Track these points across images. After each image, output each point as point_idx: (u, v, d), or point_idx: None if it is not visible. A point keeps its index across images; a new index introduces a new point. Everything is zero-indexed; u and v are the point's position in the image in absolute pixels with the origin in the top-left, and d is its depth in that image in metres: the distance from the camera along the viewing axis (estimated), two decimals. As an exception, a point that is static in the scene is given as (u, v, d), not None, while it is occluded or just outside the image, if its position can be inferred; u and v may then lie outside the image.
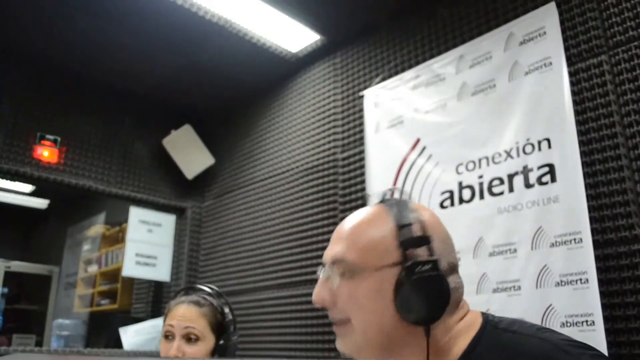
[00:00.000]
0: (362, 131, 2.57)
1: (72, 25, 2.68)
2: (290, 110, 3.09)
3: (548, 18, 1.95)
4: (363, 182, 2.49)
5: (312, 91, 2.96)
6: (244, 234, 3.14)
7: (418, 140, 2.29)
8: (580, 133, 1.80)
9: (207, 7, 2.55)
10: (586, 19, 1.89)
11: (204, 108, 3.56)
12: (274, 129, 3.17)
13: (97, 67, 3.08)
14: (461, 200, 2.07)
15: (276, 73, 3.14)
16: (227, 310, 1.53)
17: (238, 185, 3.32)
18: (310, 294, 2.73)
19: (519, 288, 1.81)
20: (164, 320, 1.50)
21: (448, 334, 0.79)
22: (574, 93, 1.85)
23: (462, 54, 2.21)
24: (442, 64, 2.28)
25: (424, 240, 0.79)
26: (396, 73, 2.49)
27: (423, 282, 0.75)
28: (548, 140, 1.85)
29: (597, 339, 1.56)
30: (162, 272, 3.33)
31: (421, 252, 0.78)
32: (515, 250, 1.85)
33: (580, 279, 1.66)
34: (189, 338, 1.43)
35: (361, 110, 2.60)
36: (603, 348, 1.56)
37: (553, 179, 1.80)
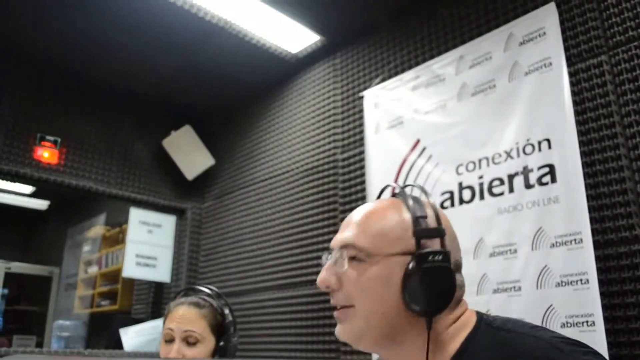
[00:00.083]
0: (362, 132, 2.57)
1: (72, 26, 2.69)
2: (290, 111, 3.09)
3: (548, 18, 1.95)
4: (363, 182, 2.49)
5: (312, 92, 2.96)
6: (244, 234, 3.14)
7: (418, 141, 2.29)
8: (580, 133, 1.80)
9: (207, 8, 2.55)
10: (586, 19, 1.89)
11: (204, 109, 3.56)
12: (274, 130, 3.17)
13: (97, 67, 3.08)
14: (461, 201, 2.07)
15: (276, 74, 3.14)
16: (227, 311, 1.52)
17: (238, 186, 3.32)
18: (310, 295, 2.72)
19: (520, 288, 1.80)
20: (164, 322, 1.49)
21: (446, 330, 0.79)
22: (574, 93, 1.85)
23: (462, 55, 2.21)
24: (442, 64, 2.28)
25: (439, 231, 0.79)
26: (396, 74, 2.49)
27: (433, 272, 0.76)
28: (548, 140, 1.85)
29: (598, 339, 1.56)
30: (162, 273, 3.33)
31: (433, 245, 0.78)
32: (515, 251, 1.85)
33: (581, 280, 1.65)
34: (189, 340, 1.43)
35: (361, 110, 2.60)
36: (603, 349, 1.56)
37: (553, 180, 1.80)
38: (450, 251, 0.79)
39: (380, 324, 0.79)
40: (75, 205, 5.12)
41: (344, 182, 2.62)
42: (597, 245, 1.67)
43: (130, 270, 3.19)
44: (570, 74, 1.87)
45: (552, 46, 1.91)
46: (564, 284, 1.69)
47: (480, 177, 2.03)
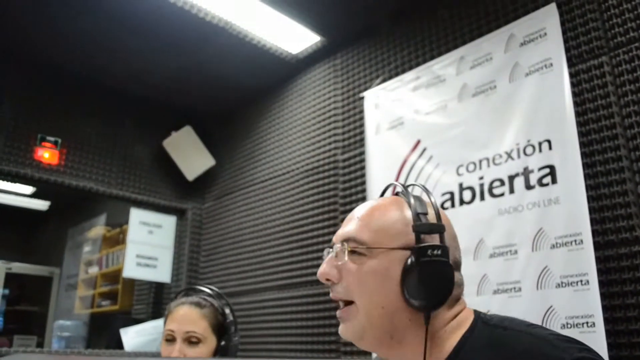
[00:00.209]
0: (362, 132, 2.57)
1: (72, 26, 2.69)
2: (290, 111, 3.09)
3: (549, 19, 1.95)
4: (363, 183, 2.49)
5: (313, 92, 2.96)
6: (244, 235, 3.14)
7: (418, 142, 2.29)
8: (581, 134, 1.80)
9: (207, 9, 2.55)
10: (587, 20, 1.89)
11: (205, 109, 3.56)
12: (274, 131, 3.17)
13: (98, 68, 3.08)
14: (462, 202, 2.07)
15: (276, 74, 3.14)
16: (228, 311, 1.53)
17: (238, 187, 3.32)
18: (311, 295, 2.72)
19: (520, 289, 1.80)
20: (165, 322, 1.50)
21: (444, 327, 0.80)
22: (574, 94, 1.85)
23: (463, 55, 2.21)
24: (443, 65, 2.27)
25: (438, 227, 0.81)
26: (396, 74, 2.49)
27: (432, 266, 0.77)
28: (549, 141, 1.84)
29: (598, 340, 1.55)
30: (162, 273, 3.33)
31: (433, 241, 0.80)
32: (515, 252, 1.85)
33: (581, 281, 1.65)
34: (191, 340, 1.43)
35: (361, 111, 2.60)
36: (604, 350, 1.55)
37: (554, 181, 1.80)
38: (450, 248, 0.80)
39: (381, 321, 0.79)
40: (75, 206, 5.13)
41: (344, 183, 2.62)
42: (597, 246, 1.67)
43: (131, 270, 3.19)
44: (571, 75, 1.87)
45: (553, 47, 1.91)
46: (564, 284, 1.69)
47: (481, 178, 2.02)
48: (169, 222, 3.44)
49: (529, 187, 1.87)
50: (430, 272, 0.77)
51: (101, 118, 3.25)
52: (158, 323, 2.98)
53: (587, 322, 1.61)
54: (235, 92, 3.35)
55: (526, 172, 1.88)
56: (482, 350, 0.76)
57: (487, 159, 2.02)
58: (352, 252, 0.83)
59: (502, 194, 1.94)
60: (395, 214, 0.84)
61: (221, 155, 3.51)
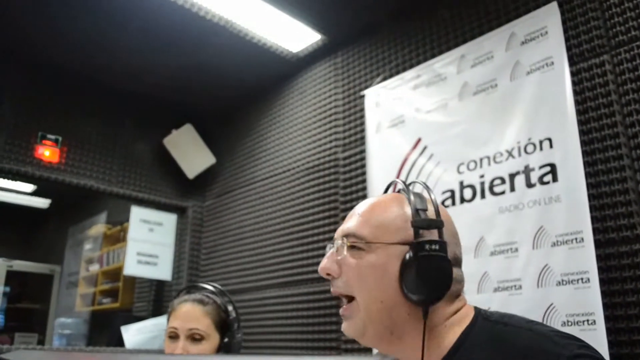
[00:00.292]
0: (363, 131, 2.57)
1: (73, 25, 2.69)
2: (291, 109, 3.09)
3: (550, 18, 1.95)
4: (364, 181, 2.49)
5: (313, 91, 2.96)
6: (245, 233, 3.15)
7: (419, 140, 2.29)
8: (582, 133, 1.80)
9: (207, 7, 2.55)
10: (588, 19, 1.89)
11: (205, 107, 3.56)
12: (275, 129, 3.18)
13: (98, 66, 3.08)
14: (462, 200, 2.07)
15: (277, 73, 3.14)
16: (230, 308, 1.53)
17: (239, 185, 3.32)
18: (311, 293, 2.73)
19: (520, 287, 1.81)
20: (168, 320, 1.50)
21: (444, 322, 0.81)
22: (575, 93, 1.85)
23: (464, 54, 2.21)
24: (444, 63, 2.27)
25: (437, 223, 0.81)
26: (397, 73, 2.49)
27: (430, 260, 0.78)
28: (550, 139, 1.85)
29: (598, 338, 1.56)
30: (163, 271, 3.34)
31: (432, 236, 0.80)
32: (516, 250, 1.85)
33: (582, 279, 1.66)
34: (194, 337, 1.44)
35: (362, 109, 2.60)
36: (604, 347, 1.56)
37: (555, 179, 1.80)
38: (448, 243, 0.80)
39: (380, 315, 0.81)
40: (76, 204, 5.14)
41: (345, 181, 2.62)
42: (598, 244, 1.68)
43: (132, 268, 3.19)
44: (572, 74, 1.87)
45: (554, 45, 1.91)
46: (564, 282, 1.69)
47: (482, 176, 2.03)
48: (169, 220, 3.44)
49: (529, 185, 1.87)
50: (427, 267, 0.77)
51: (102, 116, 3.25)
52: (159, 320, 2.98)
53: (587, 320, 1.61)
54: (235, 90, 3.34)
55: (527, 170, 1.88)
56: (482, 345, 0.76)
57: (488, 157, 2.02)
58: (352, 247, 0.84)
59: (503, 192, 1.94)
60: (395, 210, 0.85)
61: (222, 153, 3.51)
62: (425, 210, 0.83)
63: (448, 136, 2.18)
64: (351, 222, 0.87)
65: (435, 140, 2.23)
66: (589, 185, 1.74)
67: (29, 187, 4.62)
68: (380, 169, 2.41)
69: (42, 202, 5.25)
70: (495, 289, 1.87)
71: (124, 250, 3.36)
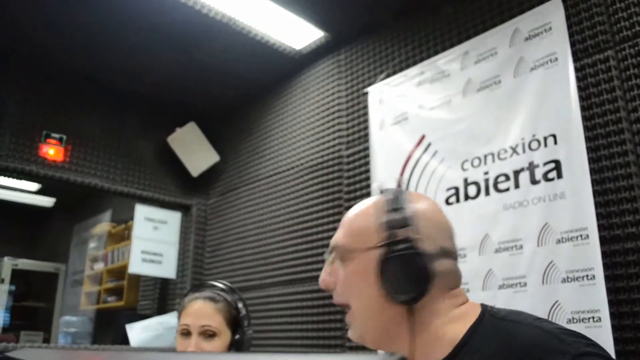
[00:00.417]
0: (366, 128, 2.57)
1: (76, 24, 2.69)
2: (294, 107, 3.09)
3: (554, 13, 1.94)
4: (368, 178, 2.49)
5: (317, 88, 2.96)
6: (249, 231, 3.15)
7: (423, 137, 2.29)
8: (586, 129, 1.79)
9: (210, 5, 2.55)
10: (592, 14, 1.88)
11: (209, 105, 3.56)
12: (278, 126, 3.18)
13: (101, 65, 3.08)
14: (467, 197, 2.06)
15: (280, 70, 3.14)
16: (241, 305, 1.54)
17: (243, 183, 3.33)
18: (315, 291, 2.72)
19: (525, 284, 1.80)
20: (179, 317, 1.51)
21: (439, 318, 0.80)
22: (580, 89, 1.84)
23: (467, 50, 2.20)
24: (447, 60, 2.27)
25: (405, 221, 0.81)
26: (401, 69, 2.49)
27: (399, 259, 0.78)
28: (554, 136, 1.84)
29: (604, 335, 1.55)
30: (168, 269, 3.35)
31: (406, 235, 0.80)
32: (521, 247, 1.85)
33: (587, 275, 1.65)
34: (207, 334, 1.45)
35: (366, 107, 2.60)
36: (610, 345, 1.55)
37: (559, 175, 1.79)
38: (427, 238, 0.80)
39: (372, 320, 0.82)
40: (81, 202, 5.16)
41: (348, 178, 2.62)
42: (603, 241, 1.67)
43: (136, 266, 3.20)
44: (577, 69, 1.86)
45: (558, 41, 1.90)
46: (570, 279, 1.69)
47: (486, 173, 2.02)
48: (173, 218, 3.45)
49: (534, 182, 1.86)
50: (399, 266, 0.78)
51: (105, 115, 3.26)
52: (164, 319, 3.00)
53: (593, 317, 1.61)
54: (239, 88, 3.35)
55: (531, 167, 1.88)
56: (489, 341, 0.76)
57: (492, 154, 2.02)
58: (340, 258, 0.87)
59: (507, 189, 1.94)
60: (372, 215, 0.86)
61: (225, 151, 3.51)
62: (399, 209, 0.82)
63: (452, 133, 2.17)
64: (337, 233, 0.91)
65: (439, 137, 2.22)
66: (594, 182, 1.73)
67: (34, 186, 4.64)
68: (384, 166, 2.40)
69: (47, 201, 5.27)
70: (500, 286, 1.87)
71: (128, 248, 3.37)
